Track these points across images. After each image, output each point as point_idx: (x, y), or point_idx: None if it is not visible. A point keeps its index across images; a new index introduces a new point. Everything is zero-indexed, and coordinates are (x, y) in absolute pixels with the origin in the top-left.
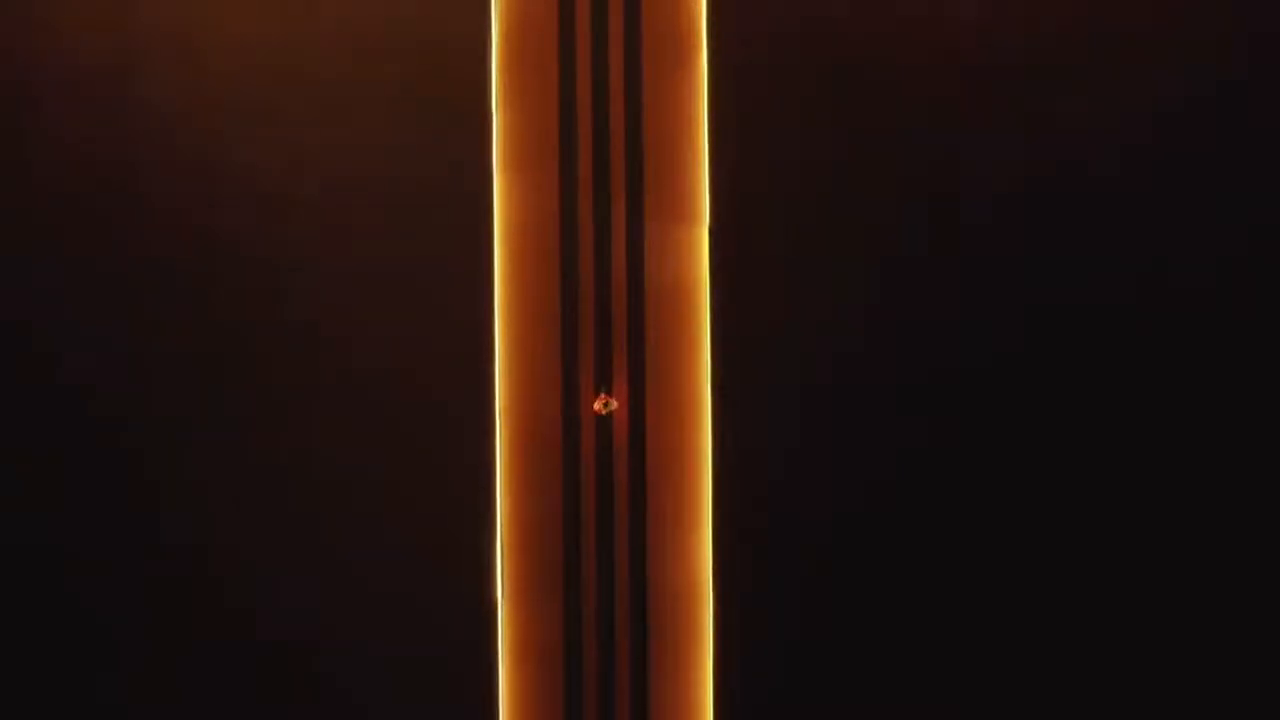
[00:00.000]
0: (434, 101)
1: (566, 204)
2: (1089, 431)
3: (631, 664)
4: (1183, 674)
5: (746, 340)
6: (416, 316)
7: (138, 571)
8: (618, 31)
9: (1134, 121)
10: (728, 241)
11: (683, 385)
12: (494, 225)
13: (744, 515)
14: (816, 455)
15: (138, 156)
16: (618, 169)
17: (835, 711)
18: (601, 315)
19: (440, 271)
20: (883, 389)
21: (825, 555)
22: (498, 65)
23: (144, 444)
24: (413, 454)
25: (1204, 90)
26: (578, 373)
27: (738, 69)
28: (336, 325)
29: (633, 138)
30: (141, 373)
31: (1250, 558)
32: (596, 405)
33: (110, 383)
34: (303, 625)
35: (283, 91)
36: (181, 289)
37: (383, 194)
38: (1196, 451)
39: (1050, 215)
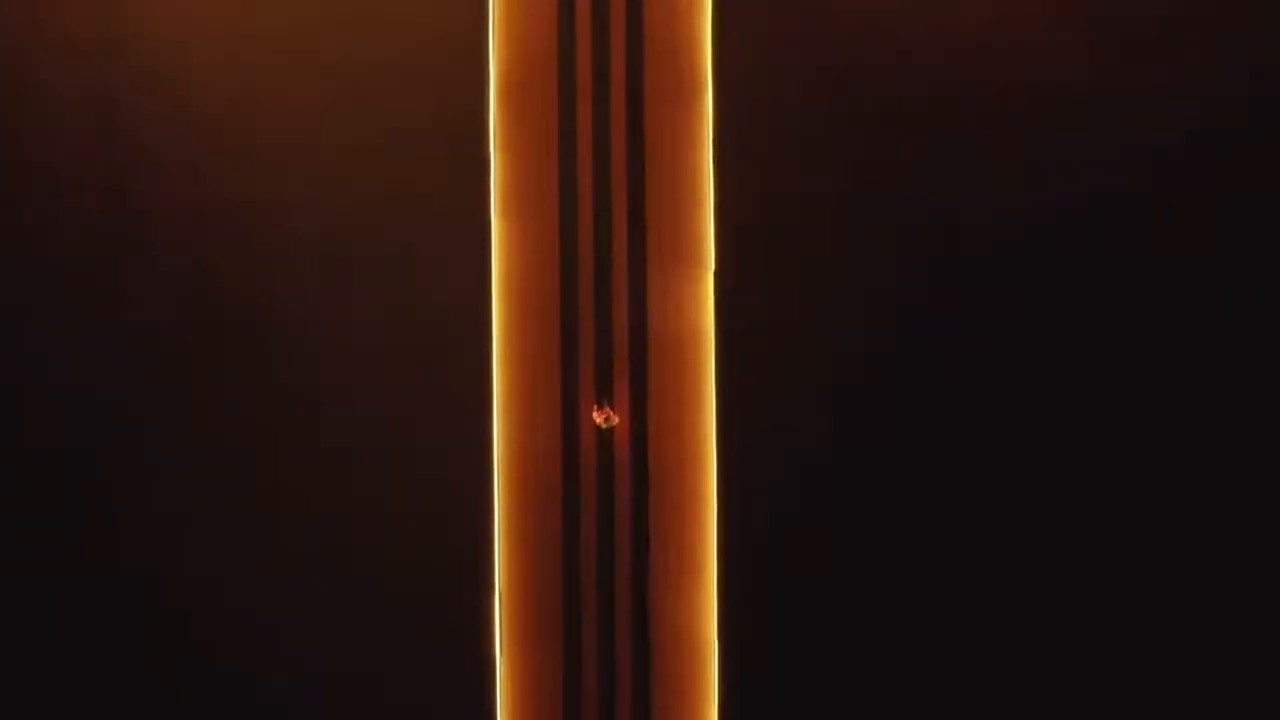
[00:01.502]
0: (430, 144)
1: (566, 249)
2: (1091, 498)
3: (634, 710)
4: (1180, 682)
5: (752, 389)
6: (412, 361)
7: (134, 650)
8: (619, 72)
9: (1136, 151)
10: (733, 287)
11: (686, 434)
12: (491, 271)
13: (747, 566)
14: (822, 508)
15: (127, 199)
16: (619, 213)
17: None
18: (602, 364)
19: (437, 319)
20: (888, 428)
21: (827, 602)
22: (496, 106)
23: (130, 489)
24: (409, 498)
25: (1204, 126)
26: (578, 424)
27: (743, 109)
28: (330, 368)
29: (635, 181)
30: (133, 412)
31: (1251, 561)
32: (597, 419)
33: (97, 427)
34: (294, 667)
35: (276, 133)
36: (174, 329)
37: (378, 235)
38: (1193, 468)
39: (1059, 249)
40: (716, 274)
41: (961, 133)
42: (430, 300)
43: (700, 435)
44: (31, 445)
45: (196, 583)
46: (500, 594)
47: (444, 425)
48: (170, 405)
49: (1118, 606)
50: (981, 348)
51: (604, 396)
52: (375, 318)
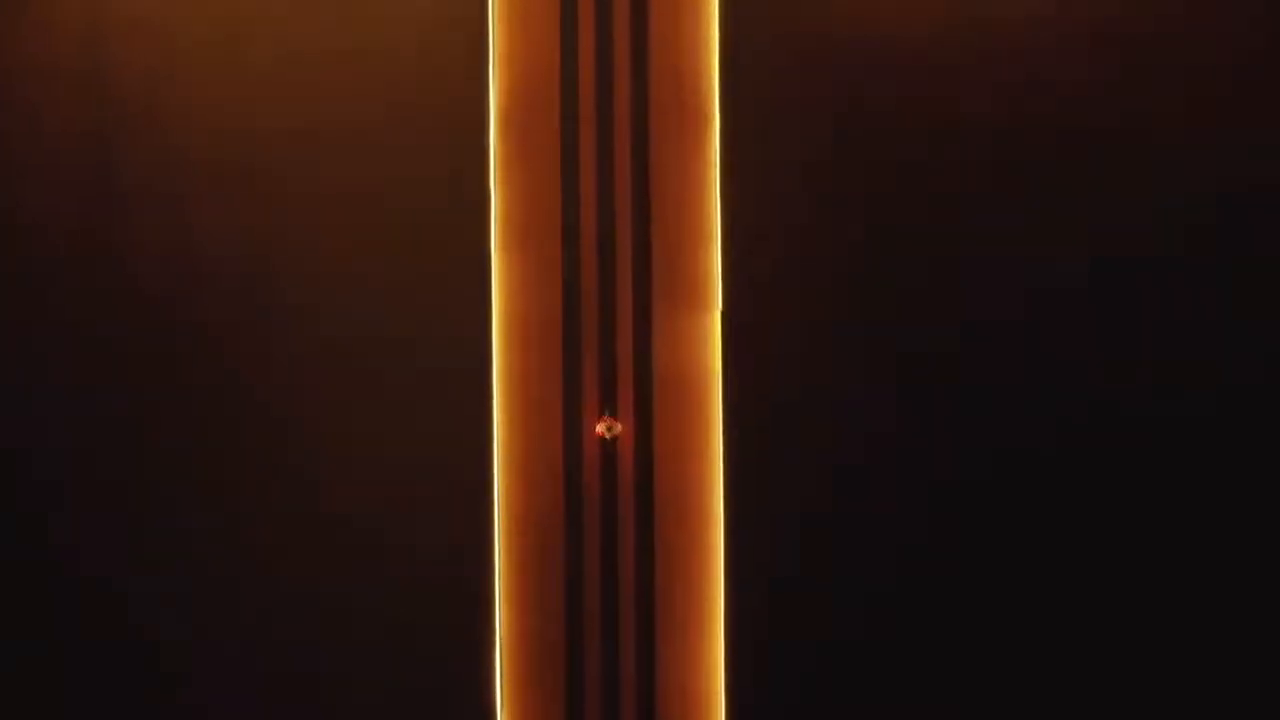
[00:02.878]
0: (429, 176)
1: (569, 285)
2: (1096, 549)
3: None
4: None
5: (760, 434)
6: (408, 410)
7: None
8: (624, 102)
9: (1143, 176)
10: (741, 324)
11: (692, 476)
12: (491, 307)
13: (754, 616)
14: (828, 553)
15: (115, 240)
16: (624, 248)
17: None
18: (606, 403)
19: (436, 356)
20: (897, 471)
21: (833, 654)
22: (496, 137)
23: (124, 543)
24: (407, 547)
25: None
26: (581, 467)
27: (752, 140)
28: (325, 408)
29: (640, 214)
30: (116, 458)
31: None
32: (600, 429)
33: (82, 482)
34: (286, 712)
35: (270, 167)
36: (164, 369)
37: (374, 269)
38: (1199, 537)
39: (1080, 298)
40: (724, 311)
41: (978, 165)
42: (429, 336)
43: (707, 477)
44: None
45: (190, 611)
46: (501, 642)
47: (442, 470)
48: (156, 448)
49: (1125, 691)
50: (988, 392)
51: (608, 478)
52: (371, 357)
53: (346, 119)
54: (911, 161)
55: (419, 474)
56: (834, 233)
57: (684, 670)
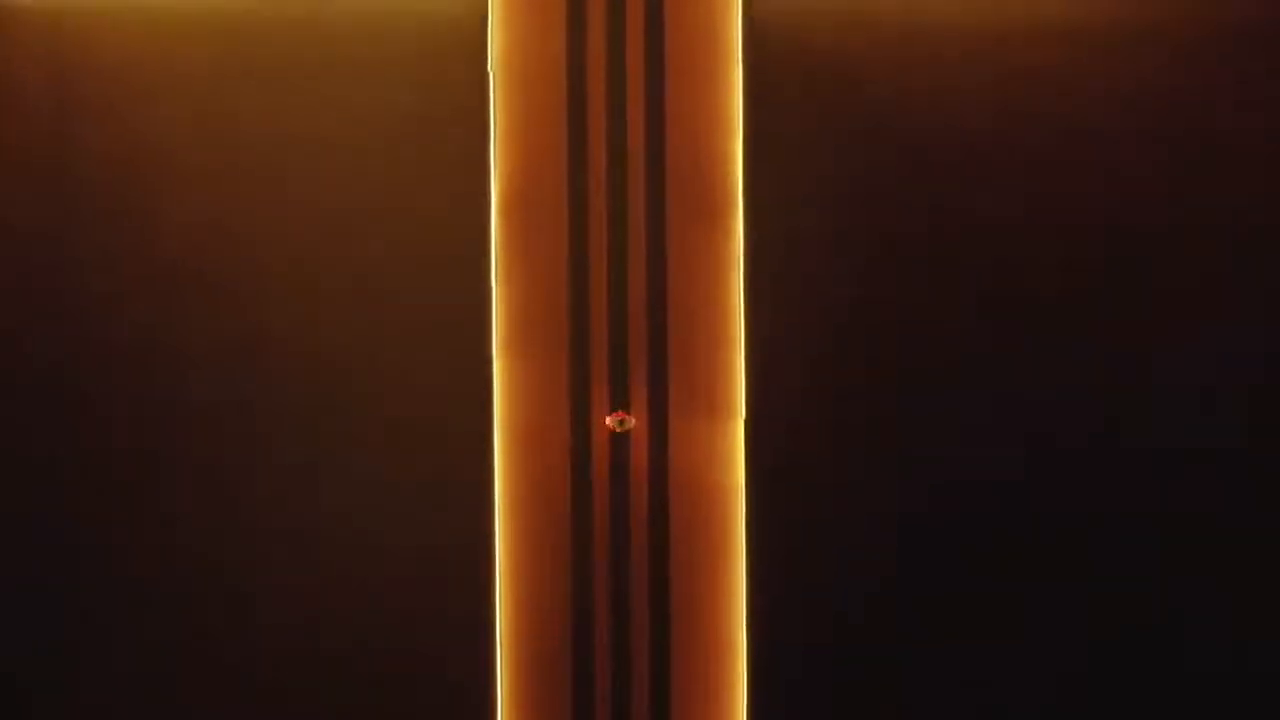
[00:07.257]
0: (422, 273)
1: (577, 393)
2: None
3: None
4: None
5: (786, 552)
6: (408, 516)
7: None
8: (638, 191)
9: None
10: (767, 437)
11: (711, 595)
12: (494, 415)
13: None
14: (860, 664)
15: (83, 336)
16: (638, 350)
17: None
18: (618, 522)
19: (434, 467)
20: (932, 583)
21: None
22: (498, 229)
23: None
24: (407, 654)
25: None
26: (592, 588)
27: (778, 235)
28: (317, 513)
29: (655, 312)
30: (107, 540)
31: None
32: (610, 423)
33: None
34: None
35: (251, 268)
36: (142, 490)
37: (365, 374)
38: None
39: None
40: (748, 419)
41: (1021, 267)
42: (427, 448)
43: (727, 599)
44: None
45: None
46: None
47: (443, 589)
48: (152, 512)
49: None
50: (1018, 490)
51: (620, 555)
52: (367, 468)
53: (334, 210)
54: (949, 258)
55: (414, 580)
56: (866, 334)
57: None
